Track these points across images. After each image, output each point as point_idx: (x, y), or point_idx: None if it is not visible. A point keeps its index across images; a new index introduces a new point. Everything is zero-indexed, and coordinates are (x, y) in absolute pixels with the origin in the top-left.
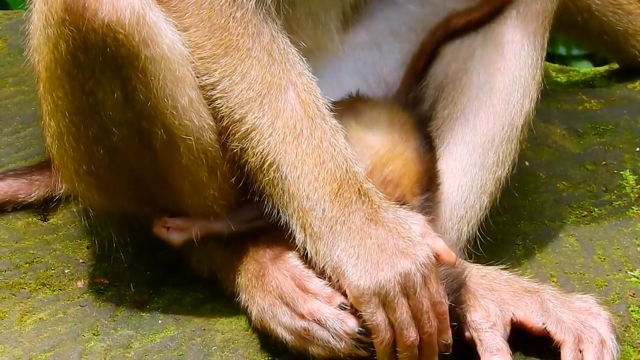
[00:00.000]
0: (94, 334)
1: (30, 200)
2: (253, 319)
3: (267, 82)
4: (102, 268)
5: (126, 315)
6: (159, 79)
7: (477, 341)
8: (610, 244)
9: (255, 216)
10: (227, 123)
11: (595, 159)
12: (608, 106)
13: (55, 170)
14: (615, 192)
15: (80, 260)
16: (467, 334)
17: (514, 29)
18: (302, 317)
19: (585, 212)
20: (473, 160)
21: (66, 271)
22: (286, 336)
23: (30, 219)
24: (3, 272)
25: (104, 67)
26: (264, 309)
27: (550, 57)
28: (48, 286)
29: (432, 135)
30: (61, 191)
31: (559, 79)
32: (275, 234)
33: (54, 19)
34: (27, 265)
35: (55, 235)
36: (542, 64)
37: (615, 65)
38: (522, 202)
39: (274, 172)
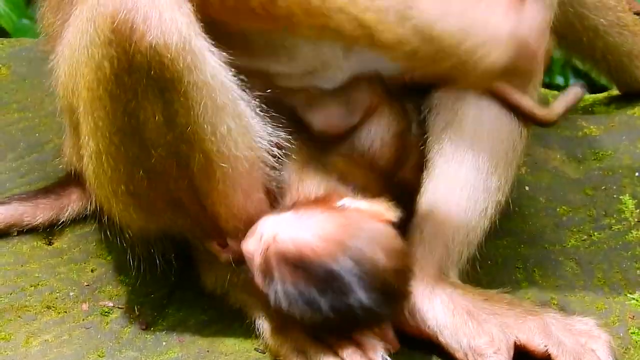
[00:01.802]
0: (99, 356)
1: (35, 223)
2: (271, 344)
3: None
4: (107, 291)
5: (131, 337)
6: (201, 105)
7: None
8: (610, 268)
9: None
10: None
11: (595, 184)
12: (607, 132)
13: (89, 190)
14: (615, 216)
15: (85, 284)
16: (470, 359)
17: None
18: None
19: (585, 236)
20: (477, 184)
21: (71, 294)
22: None
23: (35, 243)
24: (9, 295)
25: (147, 89)
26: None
27: (547, 86)
28: (53, 309)
29: (428, 151)
30: (66, 214)
31: None
32: None
33: (99, 39)
34: (32, 288)
35: (60, 258)
36: (539, 89)
37: (614, 92)
38: (522, 226)
39: None
